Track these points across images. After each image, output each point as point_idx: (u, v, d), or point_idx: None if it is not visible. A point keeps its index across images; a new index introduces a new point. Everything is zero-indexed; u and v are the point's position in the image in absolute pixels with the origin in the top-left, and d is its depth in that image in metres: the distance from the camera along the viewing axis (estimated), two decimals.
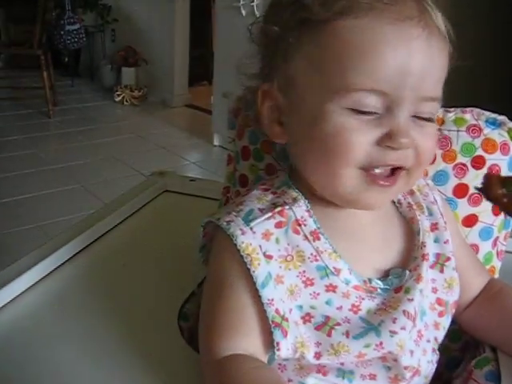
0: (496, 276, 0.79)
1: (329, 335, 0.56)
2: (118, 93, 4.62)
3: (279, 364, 0.60)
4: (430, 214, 0.66)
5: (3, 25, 5.64)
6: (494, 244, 0.77)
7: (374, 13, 0.51)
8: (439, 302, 0.63)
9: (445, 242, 0.65)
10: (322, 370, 0.58)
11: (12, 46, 4.83)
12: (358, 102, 0.52)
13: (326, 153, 0.55)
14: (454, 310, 0.64)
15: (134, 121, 4.36)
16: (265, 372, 0.54)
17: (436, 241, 0.65)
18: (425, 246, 0.63)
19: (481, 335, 0.70)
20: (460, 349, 0.76)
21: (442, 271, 0.64)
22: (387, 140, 0.53)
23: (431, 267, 0.63)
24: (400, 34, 0.52)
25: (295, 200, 0.59)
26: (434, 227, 0.66)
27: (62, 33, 4.43)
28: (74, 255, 0.84)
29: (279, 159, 0.74)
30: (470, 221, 0.75)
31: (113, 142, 3.85)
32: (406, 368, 0.58)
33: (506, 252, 0.84)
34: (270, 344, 0.56)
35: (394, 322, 0.57)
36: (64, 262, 0.82)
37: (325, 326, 0.56)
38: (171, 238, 0.91)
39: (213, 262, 0.59)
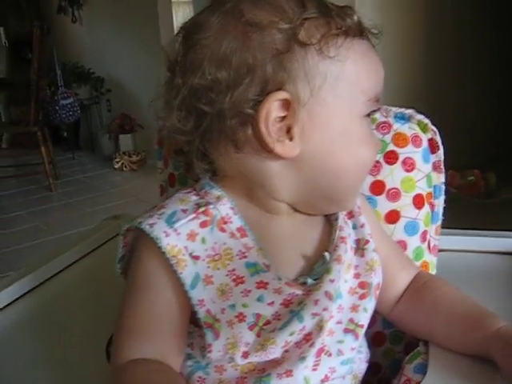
0: (433, 272, 0.78)
1: (258, 336, 0.56)
2: (116, 160, 4.69)
3: (199, 377, 0.59)
4: None
5: (5, 107, 5.87)
6: (423, 238, 0.76)
7: (364, 39, 0.59)
8: (362, 285, 0.62)
9: (361, 226, 0.66)
10: (240, 382, 0.57)
11: (11, 126, 4.97)
12: (370, 108, 0.59)
13: (358, 159, 0.59)
14: (377, 293, 0.63)
15: (134, 185, 4.41)
16: (164, 375, 0.54)
17: (354, 227, 0.66)
18: (343, 230, 0.63)
19: (412, 330, 0.69)
20: (404, 350, 0.75)
21: (362, 255, 0.64)
22: (377, 145, 0.64)
23: (354, 254, 0.64)
24: (376, 55, 0.60)
25: (219, 198, 0.59)
26: (350, 215, 0.67)
27: (57, 108, 4.56)
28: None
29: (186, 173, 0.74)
30: (392, 217, 0.74)
31: (113, 207, 3.88)
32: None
33: (445, 250, 0.83)
34: (183, 348, 0.57)
35: (315, 304, 0.57)
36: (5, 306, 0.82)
37: (255, 326, 0.56)
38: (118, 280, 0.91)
39: (135, 268, 0.59)
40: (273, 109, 0.54)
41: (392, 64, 2.55)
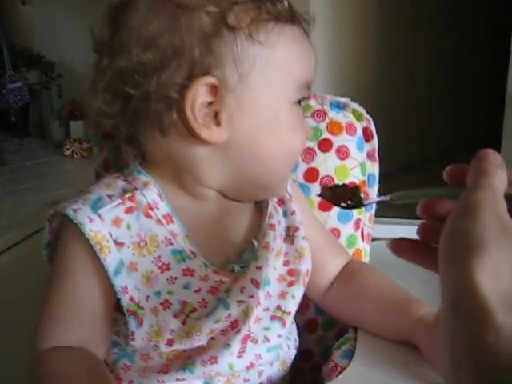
0: (366, 259, 0.79)
1: (183, 323, 0.55)
2: (66, 147, 4.58)
3: (124, 365, 0.58)
4: None
5: None
6: (357, 226, 0.77)
7: (296, 24, 0.58)
8: (291, 272, 0.62)
9: (292, 214, 0.65)
10: (164, 369, 0.57)
11: None
12: (300, 95, 0.58)
13: (287, 146, 0.58)
14: (306, 280, 0.63)
15: (85, 173, 4.28)
16: (84, 362, 0.53)
17: (285, 215, 0.65)
18: (272, 217, 0.63)
19: (342, 317, 0.69)
20: (336, 337, 0.75)
21: (292, 243, 0.63)
22: (308, 132, 0.63)
23: (284, 241, 0.63)
24: (308, 41, 0.59)
25: (146, 184, 0.58)
26: (281, 202, 0.66)
27: (4, 92, 4.40)
28: None
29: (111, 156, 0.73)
30: (325, 205, 0.74)
31: (63, 195, 3.79)
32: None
33: (378, 239, 0.84)
34: (107, 335, 0.56)
35: (241, 291, 0.57)
36: None
37: (181, 314, 0.55)
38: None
39: (59, 255, 0.57)
40: (199, 93, 0.53)
41: (347, 60, 2.58)
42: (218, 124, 0.54)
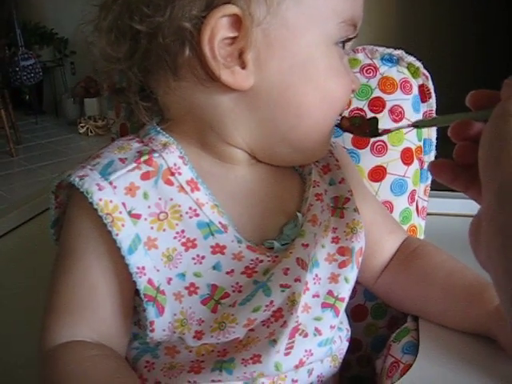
0: (421, 237, 0.70)
1: (214, 311, 0.46)
2: (81, 125, 4.53)
3: (146, 362, 0.49)
4: None
5: None
6: (412, 199, 0.67)
7: None
8: (342, 251, 0.53)
9: (340, 182, 0.56)
10: (195, 367, 0.47)
11: None
12: (344, 34, 0.49)
13: (325, 94, 0.48)
14: (360, 260, 0.54)
15: None
16: (103, 361, 0.44)
17: (332, 183, 0.56)
18: (318, 186, 0.54)
19: (399, 303, 0.60)
20: (387, 325, 0.67)
21: (342, 216, 0.54)
22: (354, 82, 0.52)
23: (332, 214, 0.54)
24: None
25: (165, 145, 0.49)
26: (326, 169, 0.57)
27: (17, 69, 4.35)
28: None
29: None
30: (377, 174, 0.65)
31: None
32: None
33: (432, 214, 0.74)
34: (128, 326, 0.48)
35: (285, 274, 0.47)
36: None
37: (210, 300, 0.46)
38: None
39: (64, 231, 0.49)
40: (219, 26, 0.44)
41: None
42: (243, 66, 0.45)
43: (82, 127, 4.54)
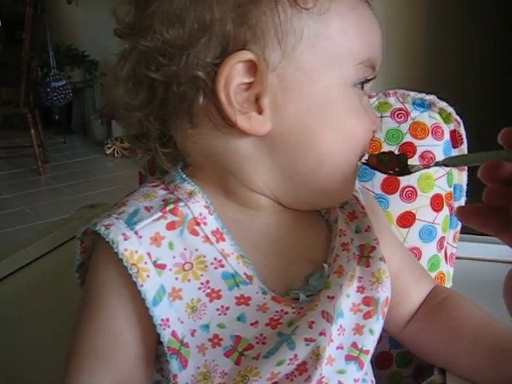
0: (448, 285, 0.68)
1: (237, 363, 0.45)
2: (108, 145, 4.58)
3: None
4: (344, 202, 0.56)
5: None
6: (440, 246, 0.66)
7: None
8: (367, 301, 0.52)
9: (366, 230, 0.55)
10: None
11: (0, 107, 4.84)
12: (361, 76, 0.48)
13: (345, 136, 0.48)
14: (385, 310, 0.53)
15: (125, 172, 4.28)
16: None
17: (358, 231, 0.55)
18: (344, 235, 0.53)
19: (426, 354, 0.58)
20: (412, 375, 0.65)
21: (368, 265, 0.53)
22: (374, 123, 0.51)
23: (358, 263, 0.53)
24: (370, 11, 0.49)
25: (191, 194, 0.49)
26: (352, 216, 0.56)
27: (49, 90, 4.45)
28: None
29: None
30: (406, 220, 0.64)
31: (102, 194, 3.77)
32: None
33: (461, 258, 0.73)
34: (150, 376, 0.47)
35: (309, 327, 0.46)
36: None
37: (234, 351, 0.45)
38: None
39: (89, 278, 0.48)
40: (235, 73, 0.44)
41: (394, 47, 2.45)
42: (260, 111, 0.45)
43: (109, 148, 4.59)
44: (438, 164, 0.47)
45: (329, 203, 0.54)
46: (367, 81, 0.49)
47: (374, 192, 0.63)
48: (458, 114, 0.65)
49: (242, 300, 0.46)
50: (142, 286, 0.44)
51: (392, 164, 0.50)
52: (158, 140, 0.50)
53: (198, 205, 0.48)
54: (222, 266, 0.47)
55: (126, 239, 0.45)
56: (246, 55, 0.43)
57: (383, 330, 0.56)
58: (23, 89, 4.03)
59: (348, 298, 0.50)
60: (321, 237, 0.54)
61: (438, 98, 0.65)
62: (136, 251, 0.44)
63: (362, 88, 0.49)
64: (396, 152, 0.63)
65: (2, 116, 5.44)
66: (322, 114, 0.46)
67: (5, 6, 5.82)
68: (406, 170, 0.49)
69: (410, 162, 0.55)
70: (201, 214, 0.48)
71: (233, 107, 0.44)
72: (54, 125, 5.18)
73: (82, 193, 3.83)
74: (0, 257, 0.80)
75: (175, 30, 0.44)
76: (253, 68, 0.44)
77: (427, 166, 0.49)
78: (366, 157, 0.53)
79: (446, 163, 0.47)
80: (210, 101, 0.45)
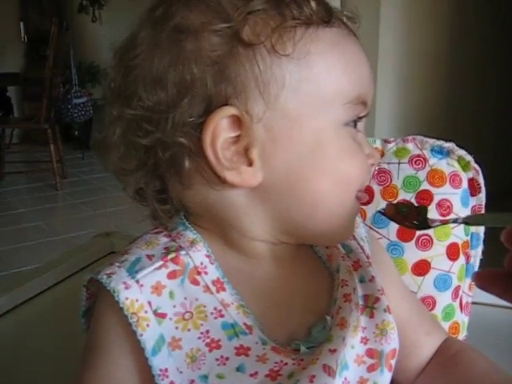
0: (463, 334, 0.67)
1: None
2: None
3: None
4: (349, 250, 0.55)
5: (19, 102, 5.87)
6: (456, 295, 0.65)
7: (334, 26, 0.47)
8: (371, 353, 0.50)
9: (370, 280, 0.54)
10: None
11: (21, 121, 4.92)
12: (352, 114, 0.47)
13: (339, 178, 0.47)
14: (392, 362, 0.51)
15: None
16: None
17: (362, 280, 0.54)
18: (346, 285, 0.52)
19: None
20: None
21: (372, 316, 0.52)
22: (371, 157, 0.50)
23: (361, 313, 0.52)
24: (356, 44, 0.49)
25: (193, 243, 0.49)
26: (357, 265, 0.55)
27: (70, 107, 4.52)
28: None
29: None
30: (421, 268, 0.63)
31: (118, 212, 3.78)
32: None
33: (476, 303, 0.71)
34: None
35: (311, 381, 0.45)
36: None
37: None
38: None
39: (93, 325, 0.48)
40: (220, 129, 0.44)
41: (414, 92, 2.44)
42: (250, 163, 0.45)
43: None
44: (456, 221, 0.46)
45: (328, 243, 0.54)
46: (359, 118, 0.49)
47: (389, 239, 0.62)
48: (476, 162, 0.64)
49: (242, 350, 0.46)
50: (141, 335, 0.43)
51: (411, 216, 0.48)
52: (156, 198, 0.51)
53: (200, 254, 0.48)
54: (222, 315, 0.46)
55: (127, 288, 0.45)
56: (229, 111, 0.43)
57: (393, 381, 0.55)
58: (45, 104, 4.10)
59: (353, 349, 0.49)
60: (323, 286, 0.53)
61: (457, 145, 0.64)
62: (137, 300, 0.44)
63: (355, 126, 0.48)
64: (413, 201, 0.63)
65: (23, 130, 5.53)
66: (314, 160, 0.46)
67: (31, 22, 5.96)
68: (426, 225, 0.47)
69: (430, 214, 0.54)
70: (202, 263, 0.48)
71: (221, 164, 0.44)
72: (73, 140, 5.23)
73: (97, 209, 3.86)
74: (15, 285, 0.81)
75: (157, 94, 0.44)
76: (237, 122, 0.44)
77: (446, 222, 0.48)
78: (383, 205, 0.52)
79: (466, 221, 0.46)
80: (201, 159, 0.45)
